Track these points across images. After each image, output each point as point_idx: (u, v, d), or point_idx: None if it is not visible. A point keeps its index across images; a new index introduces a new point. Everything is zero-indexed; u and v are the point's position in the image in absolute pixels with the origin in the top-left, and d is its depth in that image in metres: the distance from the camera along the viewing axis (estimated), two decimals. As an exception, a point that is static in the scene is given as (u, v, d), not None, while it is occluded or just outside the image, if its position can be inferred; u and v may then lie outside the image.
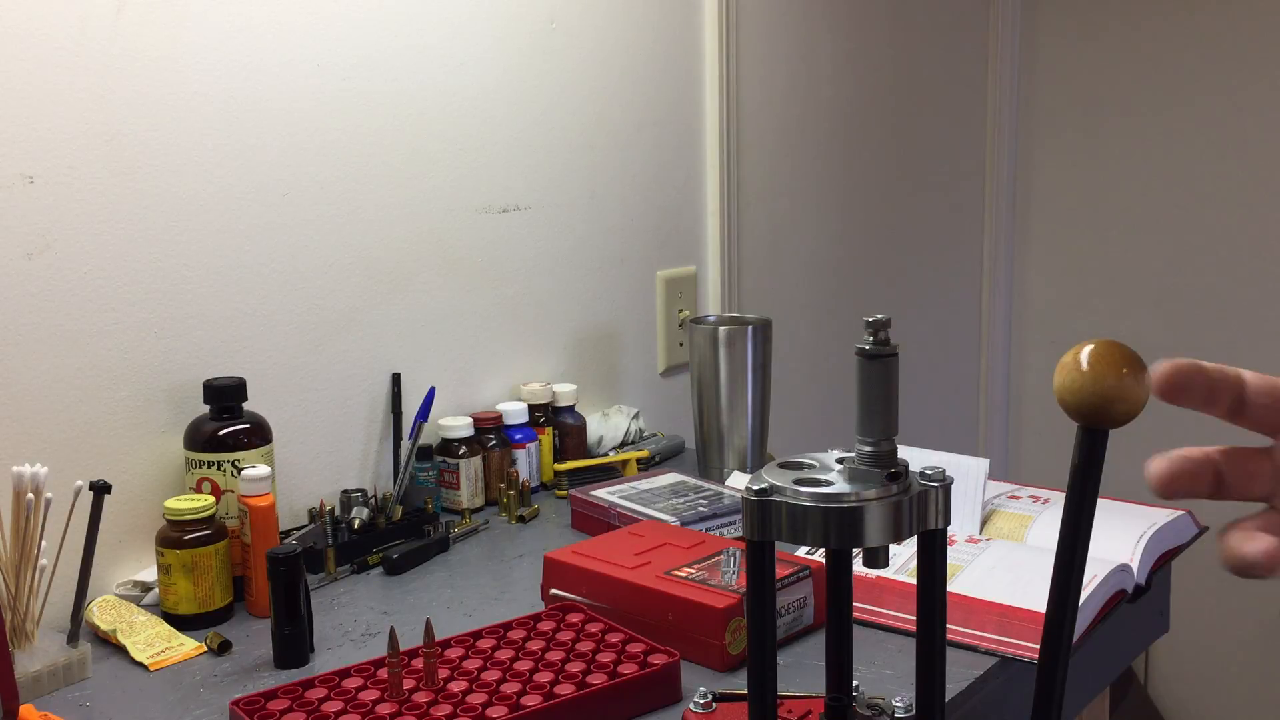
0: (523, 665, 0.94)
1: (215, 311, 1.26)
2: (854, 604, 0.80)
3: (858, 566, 0.81)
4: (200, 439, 1.18)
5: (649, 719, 0.91)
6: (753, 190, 1.95)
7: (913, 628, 0.73)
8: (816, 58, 2.08)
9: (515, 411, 1.49)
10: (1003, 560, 1.11)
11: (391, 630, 0.92)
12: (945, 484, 0.72)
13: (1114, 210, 2.56)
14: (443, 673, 0.93)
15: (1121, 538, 1.17)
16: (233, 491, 1.17)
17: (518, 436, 1.48)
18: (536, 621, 1.02)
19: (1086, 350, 0.73)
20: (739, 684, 0.94)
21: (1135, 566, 1.13)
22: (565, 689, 0.90)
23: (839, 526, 0.69)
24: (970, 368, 2.66)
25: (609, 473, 1.52)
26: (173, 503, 1.11)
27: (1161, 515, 1.23)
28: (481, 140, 1.51)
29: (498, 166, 1.54)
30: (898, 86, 2.30)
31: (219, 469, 1.17)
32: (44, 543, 1.00)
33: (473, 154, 1.51)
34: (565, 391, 1.56)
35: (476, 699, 0.89)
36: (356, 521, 1.29)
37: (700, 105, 1.85)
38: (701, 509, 1.28)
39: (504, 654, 0.96)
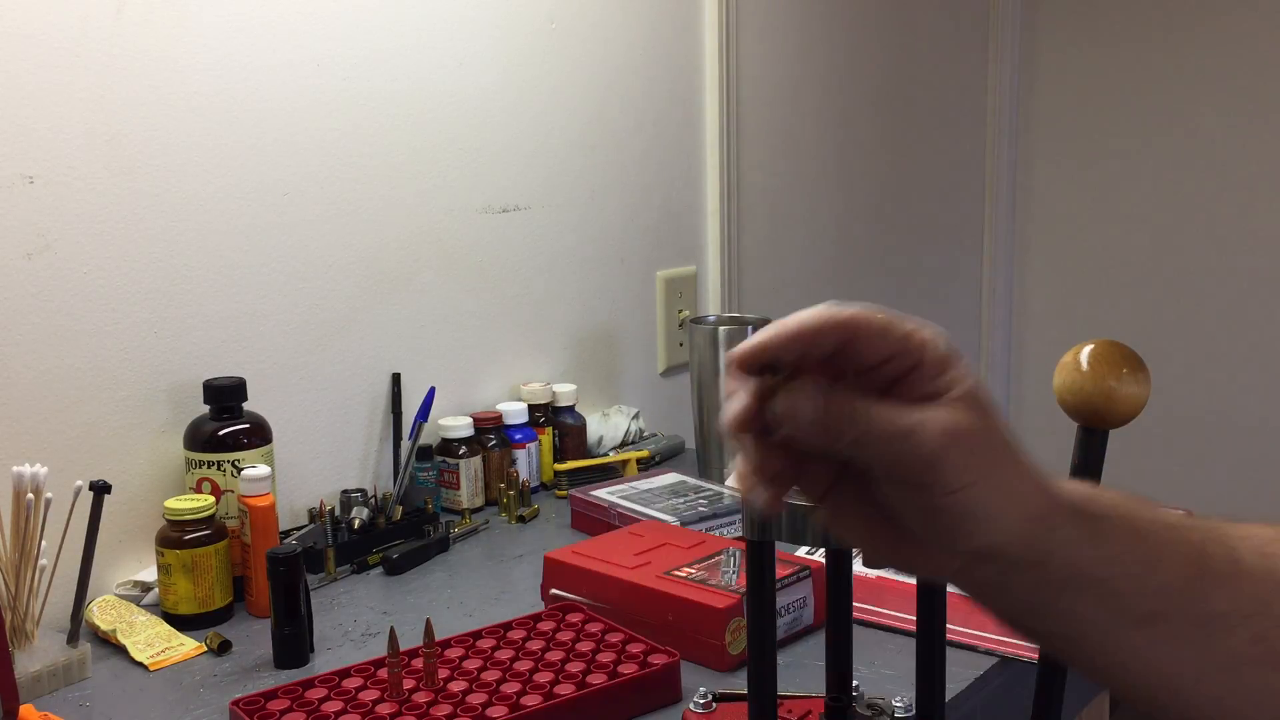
0: (523, 665, 0.94)
1: (215, 311, 1.26)
2: (854, 604, 0.80)
3: (858, 566, 0.81)
4: (200, 439, 1.18)
5: (649, 719, 0.91)
6: (753, 190, 1.95)
7: (913, 628, 0.73)
8: (816, 58, 2.08)
9: (515, 411, 1.49)
10: (1003, 560, 1.11)
11: (391, 630, 0.92)
12: (945, 484, 0.71)
13: (1114, 212, 2.56)
14: (443, 673, 0.93)
15: (1121, 538, 1.17)
16: (233, 491, 1.17)
17: (518, 436, 1.48)
18: (536, 621, 1.02)
19: (1086, 350, 0.73)
20: (739, 684, 0.94)
21: (1135, 566, 1.13)
22: (565, 689, 0.90)
23: (839, 526, 0.69)
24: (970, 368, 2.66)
25: (609, 473, 1.52)
26: (173, 503, 1.11)
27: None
28: (481, 140, 1.51)
29: (498, 166, 1.54)
30: (898, 87, 2.30)
31: (219, 469, 1.17)
32: (44, 543, 1.00)
33: (473, 154, 1.51)
34: (565, 391, 1.56)
35: (476, 699, 0.89)
36: (356, 521, 1.28)
37: (700, 105, 1.85)
38: (701, 509, 1.28)
39: (504, 654, 0.96)
